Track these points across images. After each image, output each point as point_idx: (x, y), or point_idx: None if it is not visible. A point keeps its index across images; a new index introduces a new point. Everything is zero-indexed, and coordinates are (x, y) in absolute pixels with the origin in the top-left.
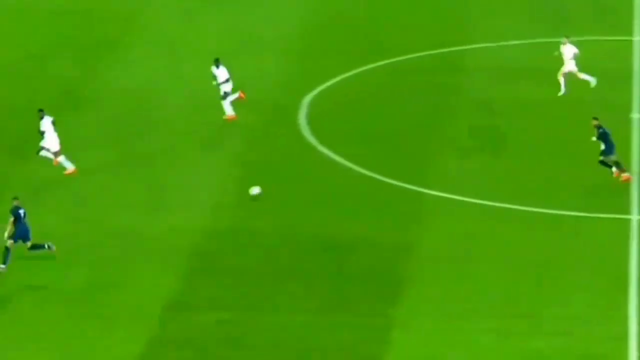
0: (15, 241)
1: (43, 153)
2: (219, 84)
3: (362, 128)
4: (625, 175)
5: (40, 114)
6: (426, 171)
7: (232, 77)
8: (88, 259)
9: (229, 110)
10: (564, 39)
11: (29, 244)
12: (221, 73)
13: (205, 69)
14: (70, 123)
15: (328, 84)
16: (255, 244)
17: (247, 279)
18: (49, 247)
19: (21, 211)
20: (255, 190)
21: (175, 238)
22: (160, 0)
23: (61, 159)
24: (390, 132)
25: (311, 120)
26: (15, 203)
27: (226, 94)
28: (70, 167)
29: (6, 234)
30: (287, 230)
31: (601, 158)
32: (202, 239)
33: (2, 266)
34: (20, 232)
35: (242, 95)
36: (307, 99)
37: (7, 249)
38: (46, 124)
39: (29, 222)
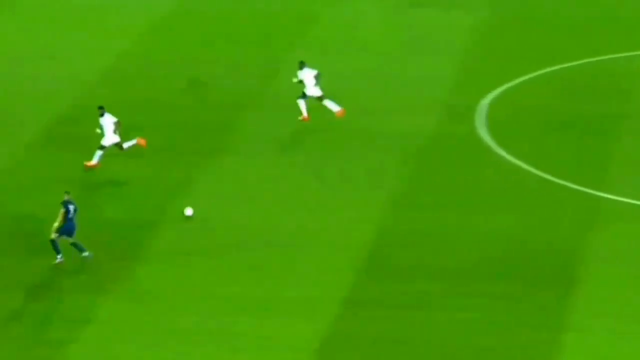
0: (59, 235)
1: (126, 146)
2: (300, 83)
3: (538, 131)
4: None
5: (101, 111)
6: (600, 174)
7: (318, 81)
8: (261, 255)
9: (303, 110)
10: None
11: (71, 240)
12: (306, 76)
13: (378, 67)
14: (257, 122)
15: (505, 86)
16: (426, 243)
17: (417, 277)
18: (88, 255)
19: (71, 207)
20: (188, 211)
21: (350, 234)
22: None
23: (99, 152)
24: (565, 135)
25: (488, 123)
26: (65, 197)
27: (305, 95)
28: (95, 161)
29: (56, 224)
30: (459, 230)
31: None
32: (374, 237)
33: (58, 257)
34: (66, 228)
35: (339, 113)
36: (485, 101)
37: (52, 242)
38: (107, 121)
39: (76, 219)
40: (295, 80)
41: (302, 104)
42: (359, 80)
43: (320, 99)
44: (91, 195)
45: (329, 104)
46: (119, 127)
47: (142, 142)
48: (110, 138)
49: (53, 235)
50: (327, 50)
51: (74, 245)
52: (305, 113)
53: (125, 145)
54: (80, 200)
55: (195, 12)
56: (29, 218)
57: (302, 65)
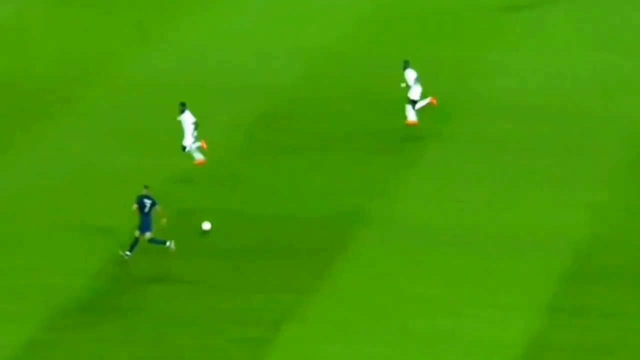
0: (141, 232)
1: (194, 147)
2: (408, 87)
3: None
4: None
5: (182, 107)
6: None
7: (421, 82)
8: (461, 257)
9: (411, 115)
10: None
11: (148, 235)
12: (409, 76)
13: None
14: (465, 123)
15: None
16: (628, 250)
17: (620, 285)
18: (169, 245)
19: (146, 201)
20: (206, 225)
21: (553, 240)
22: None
23: (193, 147)
24: None
25: None
26: (143, 192)
27: (413, 101)
28: (199, 157)
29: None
30: None
31: None
32: (577, 243)
33: (128, 253)
34: (141, 223)
35: (433, 101)
36: None
37: (136, 239)
38: (187, 118)
39: (153, 214)
40: (403, 85)
41: (410, 109)
42: (565, 83)
43: (414, 102)
44: (286, 194)
45: (420, 105)
46: (197, 128)
47: (204, 144)
48: (188, 134)
49: (136, 233)
50: (524, 49)
51: (151, 241)
52: (413, 118)
53: (194, 145)
54: (278, 199)
55: (392, 9)
56: (222, 215)
57: (406, 65)
